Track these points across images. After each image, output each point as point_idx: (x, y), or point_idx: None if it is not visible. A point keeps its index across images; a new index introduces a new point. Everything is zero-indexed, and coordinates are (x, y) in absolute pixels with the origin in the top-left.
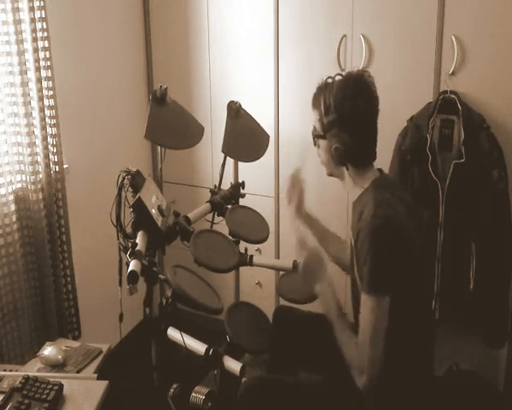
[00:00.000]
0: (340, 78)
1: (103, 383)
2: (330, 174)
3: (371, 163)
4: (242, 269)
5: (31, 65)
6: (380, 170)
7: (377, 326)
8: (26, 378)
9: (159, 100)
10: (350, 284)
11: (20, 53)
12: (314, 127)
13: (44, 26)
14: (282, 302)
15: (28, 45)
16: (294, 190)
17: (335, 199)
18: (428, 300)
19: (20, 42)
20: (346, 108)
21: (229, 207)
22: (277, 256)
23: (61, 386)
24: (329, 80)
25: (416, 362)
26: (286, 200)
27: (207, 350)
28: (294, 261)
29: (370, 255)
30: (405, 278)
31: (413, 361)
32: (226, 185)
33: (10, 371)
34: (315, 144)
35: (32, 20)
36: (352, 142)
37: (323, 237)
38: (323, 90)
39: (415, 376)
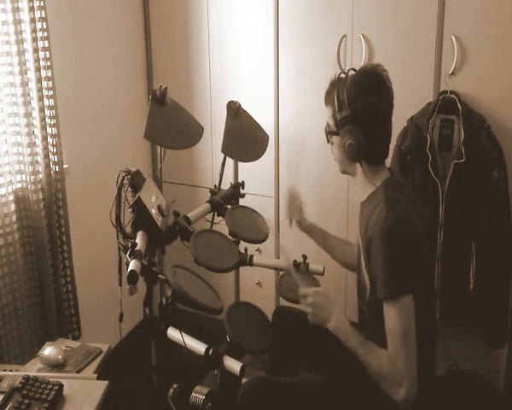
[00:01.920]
0: (353, 73)
1: (103, 383)
2: (343, 171)
3: (384, 160)
4: (242, 269)
5: (31, 65)
6: (390, 169)
7: (406, 329)
8: (26, 378)
9: (159, 100)
10: (356, 285)
11: (20, 53)
12: (327, 124)
13: (44, 26)
14: (282, 302)
15: (28, 45)
16: (293, 205)
17: (335, 199)
18: (431, 299)
19: (20, 42)
20: (360, 103)
21: (229, 207)
22: (277, 256)
23: (61, 386)
24: (342, 75)
25: (417, 362)
26: (287, 217)
27: (207, 350)
28: (294, 261)
29: (385, 261)
30: (417, 277)
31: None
32: (226, 185)
33: (10, 371)
34: (328, 141)
35: (32, 20)
36: (366, 138)
37: (328, 244)
38: (336, 85)
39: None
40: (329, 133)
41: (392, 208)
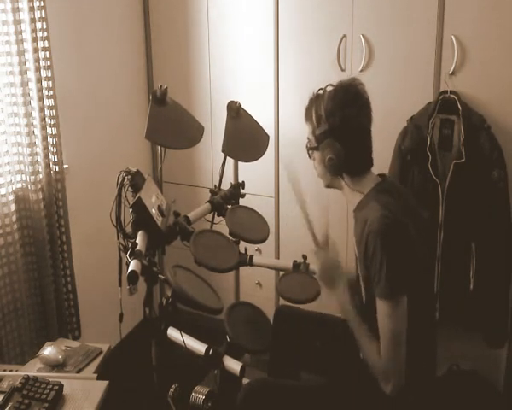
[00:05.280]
0: (330, 88)
1: (103, 383)
2: (328, 186)
3: (368, 170)
4: (242, 269)
5: (31, 65)
6: (381, 175)
7: (398, 329)
8: (26, 378)
9: (159, 100)
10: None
11: (20, 53)
12: (308, 139)
13: (44, 26)
14: (282, 302)
15: (28, 45)
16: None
17: (336, 200)
18: (431, 300)
19: (20, 42)
20: (337, 118)
21: (229, 207)
22: (277, 256)
23: (61, 386)
24: (320, 92)
25: (418, 362)
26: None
27: (207, 350)
28: (294, 261)
29: (384, 258)
30: (413, 278)
31: (415, 362)
32: (226, 185)
33: (10, 371)
34: (310, 157)
35: (32, 20)
36: (345, 151)
37: None
38: (315, 101)
39: (416, 376)
40: (310, 149)
41: (387, 211)
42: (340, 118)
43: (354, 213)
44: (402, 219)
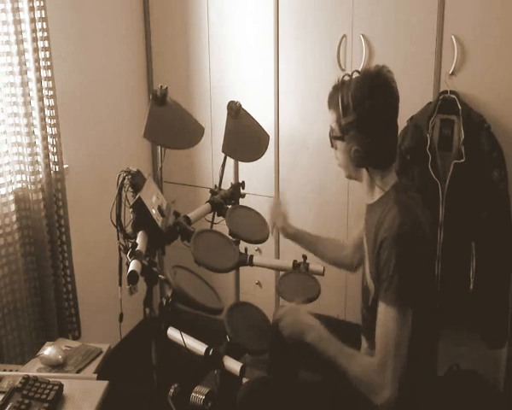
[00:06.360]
0: (357, 75)
1: (103, 383)
2: (349, 177)
3: (392, 164)
4: (242, 269)
5: (31, 65)
6: (396, 172)
7: (401, 338)
8: (26, 378)
9: (159, 100)
10: (360, 290)
11: (20, 53)
12: (331, 128)
13: (44, 26)
14: (282, 302)
15: (28, 45)
16: (277, 210)
17: (336, 199)
18: (433, 300)
19: (20, 42)
20: (366, 107)
21: (229, 207)
22: (277, 256)
23: (61, 386)
24: (346, 78)
25: (419, 363)
26: (270, 224)
27: (207, 350)
28: (294, 261)
29: (398, 267)
30: (422, 290)
31: (417, 362)
32: (226, 185)
33: (10, 371)
34: (332, 146)
35: (32, 20)
36: (373, 144)
37: (315, 246)
38: (340, 88)
39: (417, 376)
40: (334, 138)
41: (406, 214)
42: (368, 108)
43: (368, 208)
44: (421, 226)
